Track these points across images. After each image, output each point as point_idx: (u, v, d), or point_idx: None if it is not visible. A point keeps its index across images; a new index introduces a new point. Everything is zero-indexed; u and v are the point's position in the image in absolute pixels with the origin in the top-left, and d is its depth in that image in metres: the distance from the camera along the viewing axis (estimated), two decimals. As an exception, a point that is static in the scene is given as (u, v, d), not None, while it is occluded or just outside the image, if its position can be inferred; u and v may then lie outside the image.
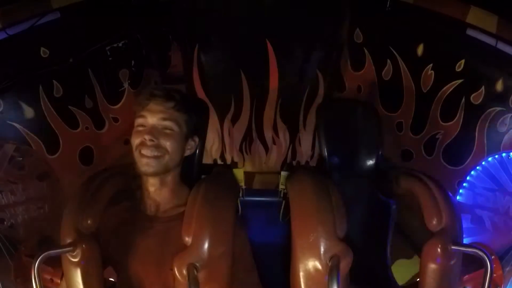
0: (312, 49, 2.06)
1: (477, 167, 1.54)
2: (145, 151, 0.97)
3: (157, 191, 1.04)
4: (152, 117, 0.99)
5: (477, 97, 1.60)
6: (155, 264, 1.00)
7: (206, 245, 0.92)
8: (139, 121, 1.01)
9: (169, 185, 1.04)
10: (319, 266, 0.93)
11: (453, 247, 1.00)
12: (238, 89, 2.16)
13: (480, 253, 0.96)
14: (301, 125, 2.32)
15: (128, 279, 1.03)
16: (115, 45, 1.76)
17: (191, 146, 1.08)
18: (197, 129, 1.10)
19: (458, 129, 1.68)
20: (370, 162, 1.34)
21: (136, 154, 0.99)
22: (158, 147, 0.98)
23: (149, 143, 0.97)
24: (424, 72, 1.76)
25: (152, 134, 0.97)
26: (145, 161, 0.97)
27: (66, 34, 1.54)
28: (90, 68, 1.70)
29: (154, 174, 1.00)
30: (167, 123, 1.00)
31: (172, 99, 1.01)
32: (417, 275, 1.09)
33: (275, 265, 1.19)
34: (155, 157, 0.98)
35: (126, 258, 1.03)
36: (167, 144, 0.99)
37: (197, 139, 1.10)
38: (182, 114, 1.03)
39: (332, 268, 0.90)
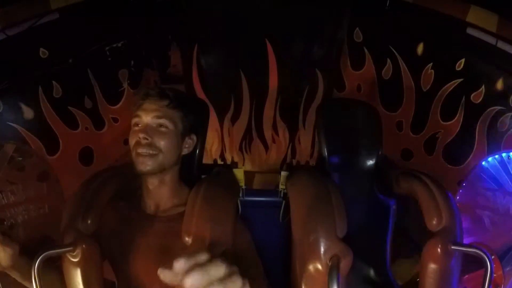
0: (311, 49, 2.06)
1: (477, 167, 1.53)
2: (140, 150, 0.97)
3: (156, 190, 1.03)
4: (146, 116, 0.99)
5: (477, 96, 1.59)
6: (155, 264, 1.00)
7: (206, 245, 0.91)
8: (134, 120, 1.01)
9: (168, 184, 1.04)
10: (319, 266, 0.93)
11: (453, 247, 1.00)
12: (238, 88, 2.16)
13: (480, 253, 0.96)
14: (300, 124, 2.32)
15: (128, 279, 1.03)
16: (114, 45, 1.76)
17: (189, 144, 1.07)
18: (194, 127, 1.09)
19: (458, 129, 1.68)
20: (370, 162, 1.34)
21: (133, 154, 0.99)
22: (152, 145, 0.98)
23: (143, 141, 0.97)
24: (424, 71, 1.75)
25: (146, 133, 0.97)
26: (141, 160, 0.97)
27: (65, 35, 1.54)
28: (90, 69, 1.70)
29: (151, 173, 1.00)
30: (161, 121, 0.99)
31: (166, 97, 1.01)
32: (417, 275, 1.09)
33: (275, 265, 1.19)
34: (150, 156, 0.98)
35: (126, 258, 1.03)
36: (162, 142, 0.99)
37: (195, 138, 1.09)
38: (177, 111, 1.02)
39: (332, 268, 0.90)
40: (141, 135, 0.97)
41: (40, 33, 1.42)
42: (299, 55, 2.09)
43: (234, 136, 2.32)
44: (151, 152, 0.97)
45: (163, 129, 1.00)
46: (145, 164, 0.97)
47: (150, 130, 0.98)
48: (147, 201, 1.06)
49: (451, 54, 1.64)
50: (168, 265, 0.91)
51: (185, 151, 1.07)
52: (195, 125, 1.09)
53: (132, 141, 1.00)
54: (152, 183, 1.02)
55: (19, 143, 1.43)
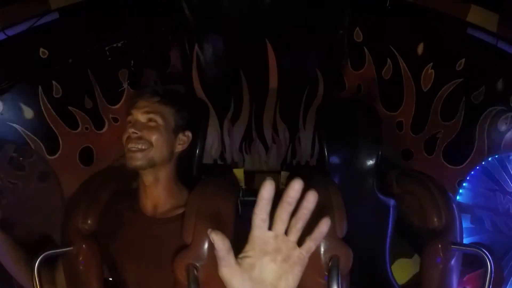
0: (311, 49, 2.06)
1: (477, 167, 1.53)
2: (130, 145, 0.98)
3: (152, 188, 1.03)
4: (137, 113, 1.01)
5: (477, 96, 1.59)
6: (155, 265, 1.00)
7: (206, 245, 0.91)
8: (128, 119, 1.03)
9: (163, 182, 1.03)
10: (319, 266, 0.93)
11: (453, 247, 1.00)
12: (238, 89, 2.16)
13: (480, 253, 0.96)
14: (300, 124, 2.32)
15: (126, 281, 1.03)
16: (114, 45, 1.76)
17: (183, 141, 1.07)
18: (190, 125, 1.09)
19: (459, 129, 1.67)
20: (370, 162, 1.34)
21: (125, 150, 1.00)
22: (142, 139, 0.98)
23: (132, 135, 0.98)
24: (424, 71, 1.75)
25: (135, 127, 0.99)
26: (130, 155, 0.98)
27: (65, 35, 1.54)
28: (90, 69, 1.70)
29: (141, 168, 1.00)
30: (151, 116, 1.01)
31: (157, 94, 1.03)
32: (417, 275, 1.09)
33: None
34: (140, 151, 0.98)
35: (125, 260, 1.02)
36: (153, 137, 0.99)
37: (190, 135, 1.08)
38: (168, 107, 1.03)
39: (332, 268, 0.90)
40: (131, 130, 0.98)
41: (40, 33, 1.42)
42: (299, 56, 2.09)
43: (234, 136, 2.32)
44: (140, 146, 0.98)
45: (152, 123, 1.00)
46: (135, 159, 0.97)
47: (140, 125, 1.00)
48: (144, 202, 1.05)
49: (451, 54, 1.64)
50: (168, 269, 0.92)
51: (179, 148, 1.06)
52: (190, 122, 1.09)
53: (124, 138, 1.01)
54: (147, 180, 1.02)
55: (19, 143, 1.43)
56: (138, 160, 0.98)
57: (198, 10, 1.94)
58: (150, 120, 1.00)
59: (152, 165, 1.00)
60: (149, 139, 0.99)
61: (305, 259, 0.48)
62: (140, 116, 1.01)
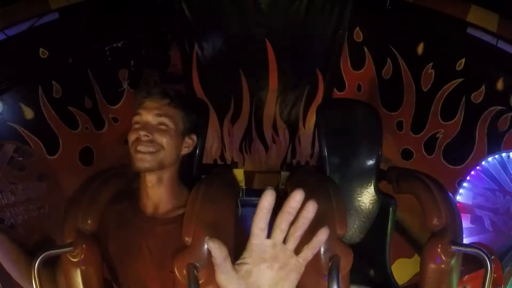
0: (311, 48, 2.06)
1: (477, 167, 1.53)
2: (140, 147, 0.97)
3: (154, 189, 1.03)
4: (147, 114, 0.99)
5: (477, 96, 1.59)
6: (155, 266, 1.00)
7: (206, 245, 0.91)
8: (135, 118, 1.01)
9: (166, 183, 1.03)
10: (319, 266, 0.93)
11: (453, 247, 1.00)
12: (238, 89, 2.16)
13: (480, 253, 0.96)
14: (300, 124, 2.32)
15: (126, 281, 1.03)
16: (114, 45, 1.76)
17: (189, 144, 1.07)
18: (195, 128, 1.09)
19: (459, 128, 1.68)
20: (370, 162, 1.34)
21: (131, 150, 0.99)
22: (153, 142, 0.97)
23: (143, 138, 0.97)
24: (424, 71, 1.75)
25: (147, 130, 0.97)
26: (139, 157, 0.97)
27: (65, 35, 1.54)
28: (90, 69, 1.70)
29: (149, 170, 0.99)
30: (162, 119, 0.99)
31: (167, 96, 1.02)
32: (417, 275, 1.09)
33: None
34: (150, 153, 0.97)
35: (125, 260, 1.02)
36: (163, 140, 0.98)
37: (195, 138, 1.08)
38: (177, 110, 1.02)
39: (332, 268, 0.90)
40: (142, 132, 0.97)
41: (40, 33, 1.42)
42: (299, 56, 2.09)
43: (234, 136, 2.32)
44: (151, 149, 0.97)
45: (163, 127, 0.99)
46: (143, 161, 0.96)
47: (150, 127, 0.98)
48: (145, 202, 1.05)
49: (451, 54, 1.64)
50: (168, 269, 0.91)
51: (184, 151, 1.06)
52: (196, 125, 1.09)
53: (131, 138, 0.99)
54: (150, 180, 1.01)
55: (19, 143, 1.43)
56: (147, 162, 0.97)
57: (198, 10, 1.95)
58: (160, 123, 0.99)
59: (161, 167, 0.99)
60: (160, 142, 0.98)
61: (302, 267, 0.48)
62: (151, 118, 0.99)
